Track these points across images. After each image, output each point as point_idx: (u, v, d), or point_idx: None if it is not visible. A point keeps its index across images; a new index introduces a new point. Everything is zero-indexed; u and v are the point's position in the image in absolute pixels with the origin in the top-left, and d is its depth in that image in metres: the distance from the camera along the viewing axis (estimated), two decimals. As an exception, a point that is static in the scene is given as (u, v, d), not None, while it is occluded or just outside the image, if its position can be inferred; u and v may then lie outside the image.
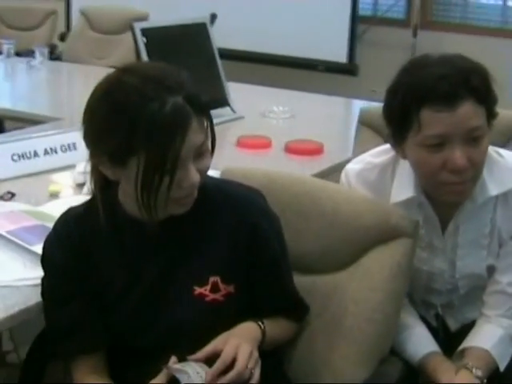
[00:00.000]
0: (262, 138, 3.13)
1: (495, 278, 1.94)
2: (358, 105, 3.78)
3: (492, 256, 1.93)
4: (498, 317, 1.92)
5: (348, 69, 6.27)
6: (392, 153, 1.92)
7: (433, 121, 1.69)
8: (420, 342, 1.93)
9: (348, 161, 2.70)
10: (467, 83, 1.68)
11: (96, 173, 1.62)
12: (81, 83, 4.35)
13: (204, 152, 1.57)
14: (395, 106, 1.75)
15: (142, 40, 3.12)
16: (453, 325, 2.08)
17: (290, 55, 6.38)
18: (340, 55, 6.27)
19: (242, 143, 3.09)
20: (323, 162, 2.91)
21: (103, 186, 1.63)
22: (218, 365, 1.53)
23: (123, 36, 5.35)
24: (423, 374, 1.90)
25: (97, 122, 1.54)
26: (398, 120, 1.75)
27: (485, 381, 1.83)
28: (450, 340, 2.02)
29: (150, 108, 1.47)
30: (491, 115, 1.75)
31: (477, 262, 1.95)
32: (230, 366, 1.53)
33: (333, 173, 2.77)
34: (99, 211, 1.63)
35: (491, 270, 1.95)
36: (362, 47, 6.37)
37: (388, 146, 1.95)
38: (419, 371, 1.90)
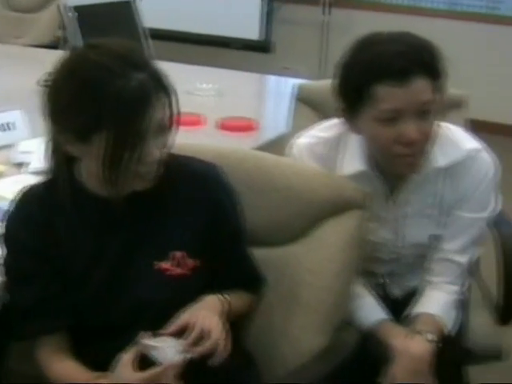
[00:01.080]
0: (191, 115, 3.07)
1: (441, 246, 2.01)
2: (284, 81, 3.83)
3: (438, 226, 2.00)
4: (445, 283, 2.00)
5: (262, 46, 6.29)
6: (340, 127, 1.97)
7: (388, 96, 1.75)
8: (371, 311, 1.99)
9: (284, 136, 2.76)
10: (420, 59, 1.75)
11: (59, 151, 1.61)
12: (5, 63, 4.20)
13: (166, 128, 1.59)
14: (350, 81, 1.80)
15: (67, 17, 3.05)
16: (397, 293, 2.16)
17: (204, 33, 6.37)
18: (253, 33, 6.29)
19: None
20: (259, 138, 2.93)
21: (65, 164, 1.63)
22: (194, 335, 1.54)
23: (40, 14, 5.26)
24: (373, 340, 1.96)
25: (63, 99, 1.53)
26: (353, 95, 1.80)
27: (440, 345, 1.91)
28: (395, 308, 2.07)
29: (116, 84, 1.49)
30: (440, 89, 1.81)
31: (422, 231, 2.02)
32: (203, 338, 1.54)
33: (268, 148, 2.80)
34: (61, 190, 1.63)
35: (435, 238, 2.02)
36: (275, 24, 6.41)
37: (336, 120, 1.99)
38: (369, 338, 1.97)
